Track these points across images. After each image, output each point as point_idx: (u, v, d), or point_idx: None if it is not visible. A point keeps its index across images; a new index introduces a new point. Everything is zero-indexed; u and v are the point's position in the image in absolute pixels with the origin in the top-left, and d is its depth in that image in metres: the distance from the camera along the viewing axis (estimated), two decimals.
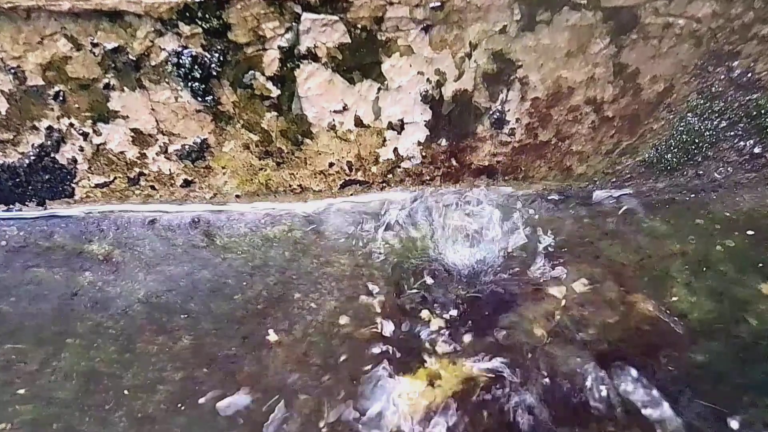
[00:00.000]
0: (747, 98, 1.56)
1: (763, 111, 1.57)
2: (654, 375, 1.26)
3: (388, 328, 1.36)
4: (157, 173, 1.54)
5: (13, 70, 1.33)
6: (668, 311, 1.38)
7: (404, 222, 1.60)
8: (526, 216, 1.62)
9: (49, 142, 1.45)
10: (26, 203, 1.55)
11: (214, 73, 1.36)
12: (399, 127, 1.52)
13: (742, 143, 1.63)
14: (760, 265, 1.49)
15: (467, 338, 1.34)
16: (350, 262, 1.50)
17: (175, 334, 1.34)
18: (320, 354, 1.30)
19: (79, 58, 1.32)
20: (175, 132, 1.47)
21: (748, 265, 1.48)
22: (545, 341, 1.33)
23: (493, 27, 1.36)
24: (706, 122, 1.59)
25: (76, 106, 1.40)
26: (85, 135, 1.45)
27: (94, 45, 1.30)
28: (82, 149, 1.48)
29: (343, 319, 1.37)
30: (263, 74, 1.38)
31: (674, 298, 1.41)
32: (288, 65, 1.37)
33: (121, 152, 1.49)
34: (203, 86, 1.38)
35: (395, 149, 1.57)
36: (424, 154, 1.58)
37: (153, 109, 1.42)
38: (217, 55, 1.33)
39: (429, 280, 1.46)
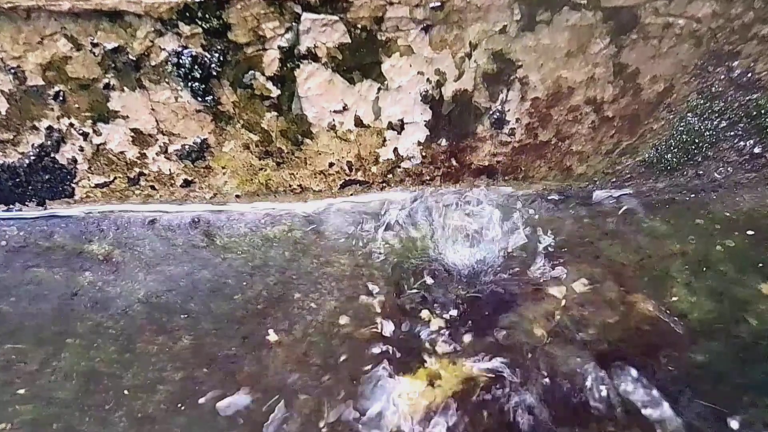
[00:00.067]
0: (747, 98, 1.55)
1: (763, 111, 1.57)
2: (654, 375, 1.26)
3: (388, 328, 1.36)
4: (157, 173, 1.54)
5: (13, 70, 1.33)
6: (668, 311, 1.38)
7: (404, 222, 1.60)
8: (526, 216, 1.62)
9: (49, 142, 1.45)
10: (26, 203, 1.55)
11: (214, 73, 1.36)
12: (399, 127, 1.52)
13: (742, 143, 1.63)
14: (760, 265, 1.49)
15: (467, 338, 1.34)
16: (350, 262, 1.50)
17: (175, 334, 1.34)
18: (320, 354, 1.30)
19: (79, 58, 1.32)
20: (175, 132, 1.47)
21: (748, 265, 1.48)
22: (545, 341, 1.33)
23: (493, 27, 1.36)
24: (706, 122, 1.59)
25: (76, 106, 1.40)
26: (85, 135, 1.45)
27: (94, 45, 1.30)
28: (82, 149, 1.48)
29: (343, 319, 1.37)
30: (263, 74, 1.38)
31: (674, 298, 1.41)
32: (288, 65, 1.37)
33: (121, 152, 1.49)
34: (203, 86, 1.38)
35: (395, 149, 1.57)
36: (424, 154, 1.58)
37: (153, 109, 1.42)
38: (217, 55, 1.33)
39: (429, 280, 1.46)
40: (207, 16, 1.27)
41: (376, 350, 1.31)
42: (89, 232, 1.53)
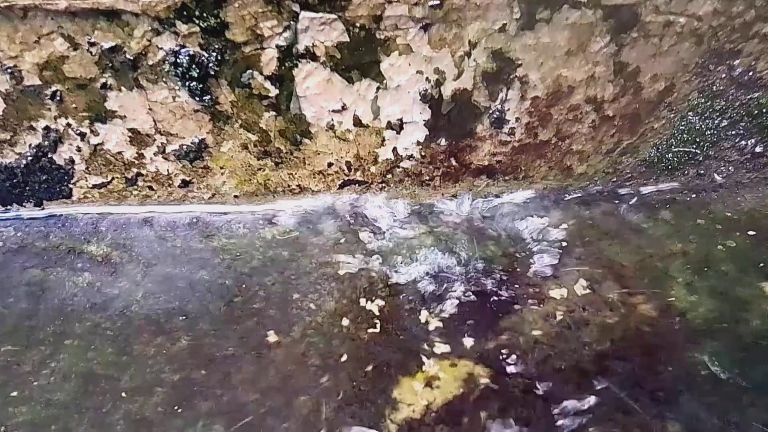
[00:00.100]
0: (748, 97, 1.55)
1: (764, 110, 1.56)
2: (654, 375, 1.25)
3: (387, 328, 1.35)
4: (155, 173, 1.53)
5: (9, 70, 1.32)
6: (669, 311, 1.38)
7: (404, 222, 1.59)
8: (527, 216, 1.62)
9: (46, 143, 1.45)
10: (24, 204, 1.55)
11: (212, 73, 1.35)
12: (398, 126, 1.51)
13: (743, 142, 1.62)
14: (761, 265, 1.48)
15: (466, 339, 1.33)
16: (349, 263, 1.49)
17: (174, 335, 1.33)
18: (319, 355, 1.30)
19: (76, 57, 1.31)
20: (173, 132, 1.46)
21: (750, 265, 1.48)
22: (546, 342, 1.32)
23: (493, 25, 1.35)
24: (707, 121, 1.58)
25: (74, 105, 1.39)
26: (82, 135, 1.44)
27: (91, 44, 1.29)
28: (79, 149, 1.47)
29: (342, 320, 1.37)
30: (261, 73, 1.37)
31: (675, 298, 1.41)
32: (286, 64, 1.36)
33: (119, 152, 1.48)
34: (201, 86, 1.37)
35: (394, 149, 1.56)
36: (423, 153, 1.57)
37: (151, 109, 1.41)
38: (214, 54, 1.32)
39: (429, 280, 1.45)
40: (204, 14, 1.26)
41: (374, 351, 1.30)
42: (87, 233, 1.53)
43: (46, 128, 1.42)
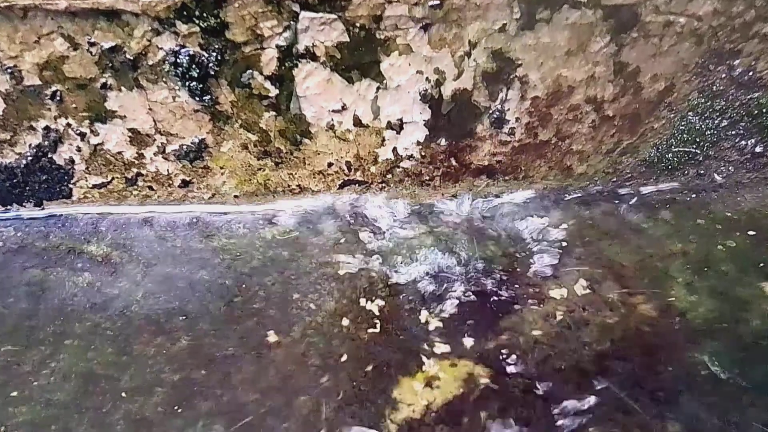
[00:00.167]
0: (748, 97, 1.55)
1: (764, 110, 1.56)
2: (654, 375, 1.25)
3: (386, 328, 1.35)
4: (155, 173, 1.53)
5: (9, 70, 1.32)
6: (669, 311, 1.38)
7: (404, 222, 1.59)
8: (527, 216, 1.62)
9: (46, 143, 1.45)
10: (24, 204, 1.55)
11: (212, 73, 1.35)
12: (398, 126, 1.51)
13: (743, 142, 1.62)
14: (762, 265, 1.48)
15: (466, 339, 1.33)
16: (349, 263, 1.49)
17: (174, 335, 1.33)
18: (319, 355, 1.30)
19: (76, 57, 1.31)
20: (173, 132, 1.46)
21: (750, 265, 1.48)
22: (546, 342, 1.32)
23: (493, 25, 1.35)
24: (707, 121, 1.58)
25: (74, 105, 1.39)
26: (82, 135, 1.44)
27: (91, 44, 1.29)
28: (79, 149, 1.47)
29: (342, 320, 1.37)
30: (261, 73, 1.37)
31: (675, 298, 1.41)
32: (286, 64, 1.36)
33: (119, 152, 1.48)
34: (201, 86, 1.37)
35: (394, 149, 1.56)
36: (423, 153, 1.57)
37: (151, 109, 1.41)
38: (214, 54, 1.32)
39: (429, 280, 1.45)
40: (204, 14, 1.26)
41: (375, 351, 1.30)
42: (87, 233, 1.53)
43: (46, 128, 1.42)
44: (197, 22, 1.27)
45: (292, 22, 1.29)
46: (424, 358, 1.29)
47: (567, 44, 1.39)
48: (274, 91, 1.40)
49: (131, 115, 1.42)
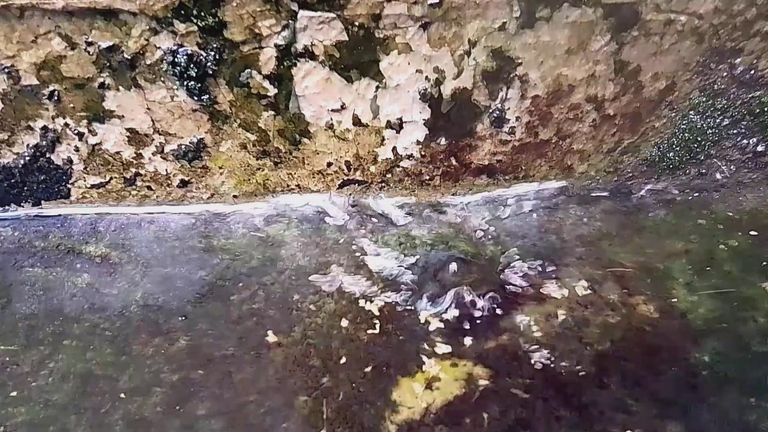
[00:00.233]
0: (750, 96, 1.54)
1: (766, 108, 1.56)
2: (655, 375, 1.25)
3: (386, 329, 1.35)
4: (153, 173, 1.53)
5: (7, 70, 1.31)
6: (670, 311, 1.37)
7: (404, 222, 1.59)
8: (526, 216, 1.61)
9: (44, 143, 1.44)
10: (22, 204, 1.54)
11: (210, 72, 1.35)
12: (398, 125, 1.50)
13: (745, 141, 1.61)
14: (764, 264, 1.48)
15: (467, 340, 1.32)
16: (349, 263, 1.49)
17: (172, 335, 1.33)
18: (319, 355, 1.29)
19: (74, 57, 1.31)
20: (172, 132, 1.46)
21: (751, 265, 1.47)
22: (546, 342, 1.32)
23: (492, 24, 1.34)
24: (709, 120, 1.58)
25: (71, 105, 1.39)
26: (80, 135, 1.44)
27: (89, 44, 1.29)
28: (77, 149, 1.46)
29: (342, 321, 1.36)
30: (260, 73, 1.36)
31: (676, 299, 1.40)
32: (285, 63, 1.35)
33: (117, 152, 1.48)
34: (199, 85, 1.36)
35: (394, 148, 1.55)
36: (423, 153, 1.57)
37: (149, 109, 1.41)
38: (213, 53, 1.32)
39: (429, 280, 1.45)
40: (202, 13, 1.25)
41: (374, 352, 1.30)
42: (86, 233, 1.52)
43: (44, 128, 1.42)
44: (195, 21, 1.26)
45: (290, 21, 1.29)
46: (425, 358, 1.29)
47: (567, 43, 1.38)
48: (272, 91, 1.40)
49: (129, 115, 1.42)
